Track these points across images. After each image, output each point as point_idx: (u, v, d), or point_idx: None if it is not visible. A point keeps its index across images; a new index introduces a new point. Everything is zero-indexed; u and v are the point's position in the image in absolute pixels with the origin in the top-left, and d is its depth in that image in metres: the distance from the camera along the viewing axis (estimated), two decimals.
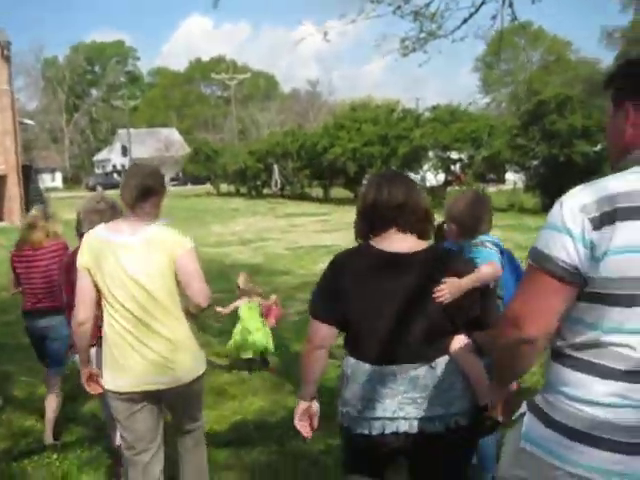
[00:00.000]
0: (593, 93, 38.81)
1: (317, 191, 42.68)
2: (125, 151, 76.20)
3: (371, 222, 2.75)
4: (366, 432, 2.56)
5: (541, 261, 1.80)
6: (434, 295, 2.54)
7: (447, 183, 38.40)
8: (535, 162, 33.63)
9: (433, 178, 38.04)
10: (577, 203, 1.78)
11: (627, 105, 1.92)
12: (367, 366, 2.57)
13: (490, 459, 3.79)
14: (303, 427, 2.77)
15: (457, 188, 37.16)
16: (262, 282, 10.38)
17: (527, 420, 1.92)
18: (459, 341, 2.62)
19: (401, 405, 2.51)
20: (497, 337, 1.95)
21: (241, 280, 7.05)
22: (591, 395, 1.79)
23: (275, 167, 42.45)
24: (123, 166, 75.87)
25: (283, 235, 21.17)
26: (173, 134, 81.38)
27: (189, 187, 60.52)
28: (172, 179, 72.61)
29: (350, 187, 39.35)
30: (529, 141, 33.23)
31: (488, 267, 3.14)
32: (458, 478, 2.72)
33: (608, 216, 1.73)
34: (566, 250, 1.76)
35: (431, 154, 38.13)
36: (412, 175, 39.51)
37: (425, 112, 42.22)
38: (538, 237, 1.85)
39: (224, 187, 50.55)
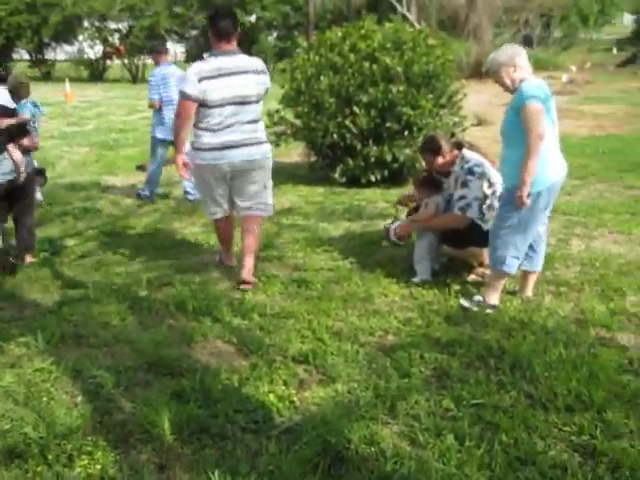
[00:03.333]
0: None
1: None
2: None
3: None
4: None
5: (184, 93, 4.75)
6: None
7: (106, 55, 38.39)
8: (195, 32, 35.64)
9: (91, 50, 38.29)
10: (194, 69, 4.74)
11: None
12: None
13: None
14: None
15: (118, 61, 38.33)
16: None
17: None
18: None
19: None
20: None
21: None
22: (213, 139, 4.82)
23: None
24: None
25: None
26: None
27: None
28: None
29: None
30: (187, 10, 35.16)
31: (23, 115, 6.31)
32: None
33: (203, 75, 4.68)
34: (191, 88, 4.69)
35: (87, 24, 37.81)
36: (68, 47, 39.39)
37: None
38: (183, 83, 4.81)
39: None
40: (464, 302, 4.62)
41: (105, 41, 38.25)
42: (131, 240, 6.48)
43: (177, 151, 5.01)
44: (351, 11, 29.93)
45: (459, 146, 5.23)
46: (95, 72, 38.07)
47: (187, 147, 5.11)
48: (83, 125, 16.61)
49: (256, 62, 4.97)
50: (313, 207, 7.43)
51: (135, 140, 13.78)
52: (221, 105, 4.78)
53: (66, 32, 37.85)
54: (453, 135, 8.35)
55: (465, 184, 4.97)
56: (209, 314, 4.45)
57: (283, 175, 9.27)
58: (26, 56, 39.32)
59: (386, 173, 8.35)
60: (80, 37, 38.64)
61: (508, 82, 4.31)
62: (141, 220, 7.27)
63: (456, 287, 4.91)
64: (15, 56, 39.48)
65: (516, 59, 4.27)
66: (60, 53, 39.79)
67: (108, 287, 5.10)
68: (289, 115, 8.93)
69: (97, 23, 37.96)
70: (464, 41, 27.56)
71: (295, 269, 5.40)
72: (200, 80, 4.70)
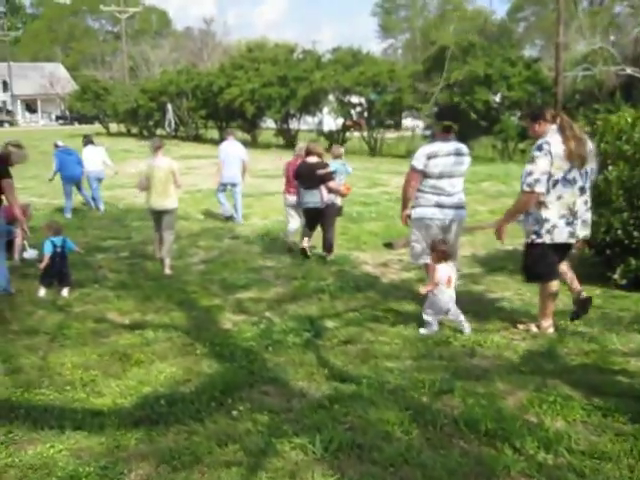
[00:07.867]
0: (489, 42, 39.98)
1: (212, 133, 41.54)
2: (6, 86, 75.90)
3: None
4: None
5: (414, 167, 6.51)
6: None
7: (345, 128, 38.81)
8: (436, 108, 35.79)
9: (332, 122, 39.66)
10: (424, 151, 6.56)
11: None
12: None
13: None
14: None
15: (356, 134, 39.33)
16: None
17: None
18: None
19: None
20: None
21: None
22: (432, 199, 6.54)
23: (169, 107, 40.78)
24: (4, 102, 76.10)
25: (180, 178, 20.83)
26: (58, 69, 77.47)
27: (76, 126, 56.90)
28: (58, 117, 71.26)
29: (247, 129, 39.48)
30: (431, 87, 35.44)
31: (329, 169, 9.58)
32: None
33: (429, 155, 6.44)
34: (419, 164, 6.47)
35: (331, 97, 38.76)
36: (309, 118, 41.26)
37: (326, 54, 41.72)
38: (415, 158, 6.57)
39: (114, 127, 48.34)
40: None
41: (347, 114, 39.35)
42: (395, 329, 6.06)
43: (403, 207, 6.76)
44: (603, 92, 28.43)
45: (553, 120, 5.59)
46: (332, 144, 39.18)
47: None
48: None
49: (463, 147, 6.70)
50: (593, 312, 6.53)
51: (378, 214, 13.49)
52: (441, 177, 6.44)
53: (311, 104, 39.59)
54: None
55: (532, 159, 5.48)
56: (506, 440, 3.83)
57: None
58: (272, 125, 41.77)
59: None
60: (324, 109, 40.26)
61: None
62: (402, 305, 6.86)
63: None
64: (262, 125, 42.10)
65: None
66: (302, 124, 41.80)
67: (381, 386, 4.70)
68: None
69: (340, 96, 39.22)
70: None
71: (592, 391, 4.60)
72: (427, 158, 6.43)
